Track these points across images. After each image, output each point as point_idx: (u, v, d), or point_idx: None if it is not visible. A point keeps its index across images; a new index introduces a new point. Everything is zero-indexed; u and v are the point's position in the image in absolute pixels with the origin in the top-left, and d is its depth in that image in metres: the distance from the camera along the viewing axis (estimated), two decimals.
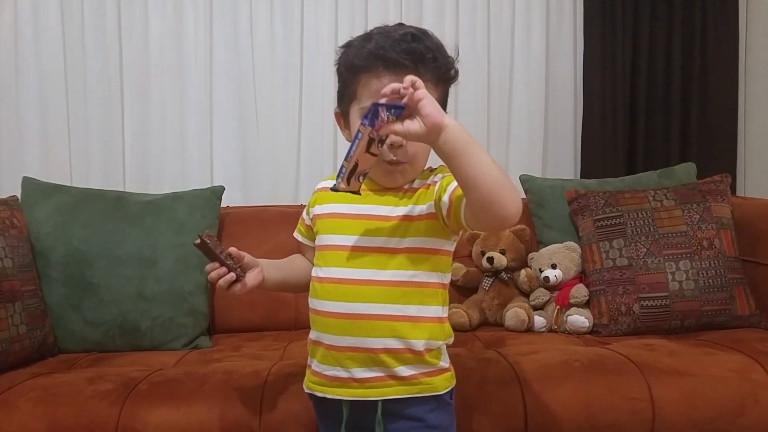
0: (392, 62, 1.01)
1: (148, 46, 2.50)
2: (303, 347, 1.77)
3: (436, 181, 1.08)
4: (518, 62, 2.69)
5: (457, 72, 1.11)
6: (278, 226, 2.15)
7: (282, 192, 2.59)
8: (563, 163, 2.78)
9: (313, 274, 1.14)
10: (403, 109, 0.90)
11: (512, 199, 0.92)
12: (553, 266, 2.02)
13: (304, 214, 1.26)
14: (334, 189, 1.00)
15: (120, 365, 1.65)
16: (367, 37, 1.08)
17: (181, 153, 2.54)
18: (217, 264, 1.06)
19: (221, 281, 1.07)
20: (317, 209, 1.18)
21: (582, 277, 2.04)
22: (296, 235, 1.30)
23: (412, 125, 0.90)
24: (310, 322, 1.14)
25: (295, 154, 2.60)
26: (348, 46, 1.11)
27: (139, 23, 2.49)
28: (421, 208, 1.08)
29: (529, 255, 2.11)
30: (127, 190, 2.30)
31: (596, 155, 2.66)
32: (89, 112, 2.47)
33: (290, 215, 2.17)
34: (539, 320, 1.95)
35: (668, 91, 2.68)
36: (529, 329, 1.95)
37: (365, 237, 1.08)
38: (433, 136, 0.90)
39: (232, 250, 1.09)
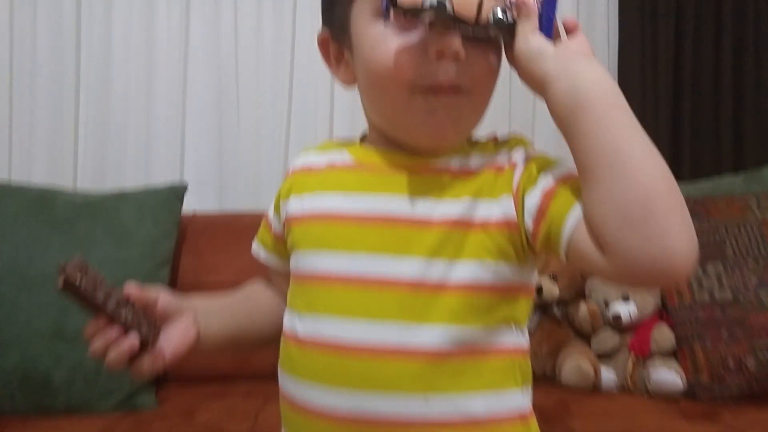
0: None
1: (110, 24, 2.14)
2: None
3: (516, 163, 0.65)
4: None
5: None
6: (253, 237, 1.67)
7: (265, 196, 2.17)
8: None
9: (287, 326, 0.71)
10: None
11: (684, 220, 0.53)
12: (625, 298, 1.51)
13: (270, 211, 0.81)
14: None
15: None
16: None
17: (145, 146, 2.16)
18: (101, 321, 0.59)
19: (111, 354, 0.61)
20: (295, 204, 0.73)
21: (663, 313, 1.54)
22: (256, 248, 0.84)
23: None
24: (281, 417, 0.70)
25: (282, 150, 2.22)
26: None
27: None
28: (488, 209, 0.64)
29: (588, 282, 1.62)
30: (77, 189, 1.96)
31: None
32: (36, 94, 2.10)
33: None
34: (607, 375, 1.46)
35: (718, 90, 2.37)
36: (595, 386, 1.44)
37: (386, 259, 0.65)
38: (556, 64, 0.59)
39: (132, 291, 0.65)
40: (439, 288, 0.63)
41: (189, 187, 1.70)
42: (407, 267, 0.63)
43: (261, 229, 0.83)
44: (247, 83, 2.20)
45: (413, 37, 0.61)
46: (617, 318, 1.49)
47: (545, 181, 0.61)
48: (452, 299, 0.62)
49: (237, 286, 1.48)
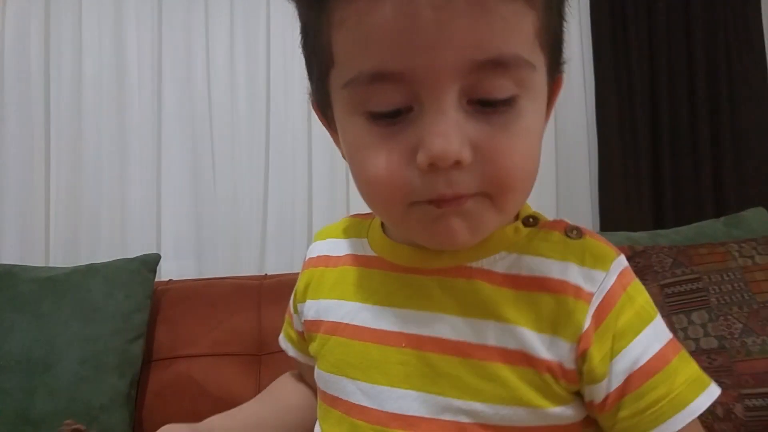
0: None
1: (80, 85, 2.09)
2: None
3: (593, 294, 0.51)
4: None
5: None
6: (232, 306, 1.66)
7: (244, 260, 2.14)
8: (580, 213, 2.36)
9: None
10: None
11: None
12: None
13: (291, 304, 0.71)
14: None
15: None
16: None
17: (120, 216, 2.10)
18: None
19: None
20: (311, 308, 0.64)
21: None
22: (283, 343, 0.74)
23: None
24: None
25: (260, 212, 2.18)
26: None
27: (69, 60, 2.08)
28: (534, 340, 0.51)
29: None
30: (50, 265, 1.88)
31: (617, 203, 2.32)
32: (5, 165, 2.03)
33: (249, 290, 1.72)
34: None
35: (695, 129, 2.38)
36: None
37: (412, 393, 0.53)
38: None
39: None
40: None
41: (167, 256, 1.66)
42: (437, 405, 0.52)
43: (285, 324, 0.74)
44: (222, 147, 2.15)
45: (401, 140, 0.48)
46: None
47: (630, 360, 0.50)
48: None
49: (214, 358, 1.44)
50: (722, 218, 1.88)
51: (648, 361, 0.49)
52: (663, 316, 1.34)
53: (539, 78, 0.48)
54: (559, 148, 2.35)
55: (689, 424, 0.49)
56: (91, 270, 1.53)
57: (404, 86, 0.45)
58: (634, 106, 2.32)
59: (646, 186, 2.32)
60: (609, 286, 0.51)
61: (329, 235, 0.67)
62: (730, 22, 2.35)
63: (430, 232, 0.50)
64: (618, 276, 0.52)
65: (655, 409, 0.49)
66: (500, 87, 0.45)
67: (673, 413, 0.48)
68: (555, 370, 0.50)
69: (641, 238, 1.80)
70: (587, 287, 0.51)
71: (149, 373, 1.53)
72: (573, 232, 0.54)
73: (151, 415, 1.49)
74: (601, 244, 0.54)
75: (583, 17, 2.35)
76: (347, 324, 0.59)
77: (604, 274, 0.51)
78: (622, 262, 0.53)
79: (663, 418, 0.48)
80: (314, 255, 0.67)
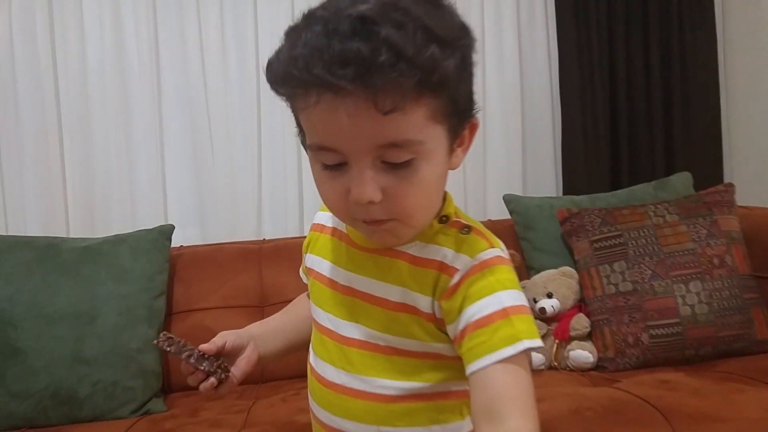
0: (324, 83, 0.59)
1: (86, 76, 2.23)
2: (270, 407, 1.56)
3: (457, 269, 0.72)
4: (490, 74, 2.51)
5: (463, 63, 0.66)
6: (237, 267, 1.94)
7: (242, 227, 2.35)
8: (545, 179, 2.58)
9: (310, 350, 0.89)
10: None
11: None
12: (549, 295, 1.81)
13: (303, 250, 0.97)
14: None
15: None
16: (305, 23, 0.64)
17: (129, 191, 2.28)
18: (190, 368, 0.84)
19: (201, 388, 0.85)
20: (309, 259, 0.91)
21: (582, 305, 1.83)
22: (301, 274, 0.99)
23: None
24: None
25: (255, 183, 2.37)
26: (287, 35, 0.66)
27: (74, 51, 2.22)
28: (422, 301, 0.74)
29: (521, 283, 1.88)
30: (71, 236, 2.08)
31: (579, 169, 2.47)
32: (24, 151, 2.20)
33: (251, 253, 1.98)
34: (537, 357, 1.73)
35: (649, 100, 2.53)
36: None
37: (353, 325, 0.80)
38: None
39: (205, 348, 0.85)
40: (388, 352, 0.76)
41: (175, 226, 1.92)
42: (368, 334, 0.77)
43: (302, 264, 0.96)
44: (218, 124, 2.31)
45: (341, 183, 0.67)
46: (542, 310, 1.78)
47: (467, 318, 0.69)
48: (398, 361, 0.75)
49: (224, 310, 1.72)
50: (653, 182, 2.16)
51: (479, 319, 0.68)
52: (591, 266, 1.70)
53: (433, 143, 0.67)
54: (525, 118, 2.53)
55: (500, 366, 0.66)
56: (118, 240, 1.80)
57: (338, 154, 0.66)
58: (594, 79, 2.47)
59: (605, 151, 2.50)
60: (470, 267, 0.71)
61: (327, 209, 0.94)
62: None
63: (372, 238, 0.74)
64: (481, 261, 0.71)
65: (477, 349, 0.68)
66: (398, 156, 0.65)
67: (484, 354, 0.67)
68: (432, 319, 0.74)
69: (582, 201, 2.08)
70: (456, 266, 0.72)
71: (171, 324, 1.83)
72: (464, 230, 0.76)
73: (175, 356, 1.80)
74: (479, 239, 0.74)
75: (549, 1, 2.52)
76: (322, 275, 0.85)
77: (470, 259, 0.72)
78: (490, 252, 0.73)
79: (480, 354, 0.67)
80: (316, 222, 0.92)
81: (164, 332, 0.86)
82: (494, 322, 0.68)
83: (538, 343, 0.68)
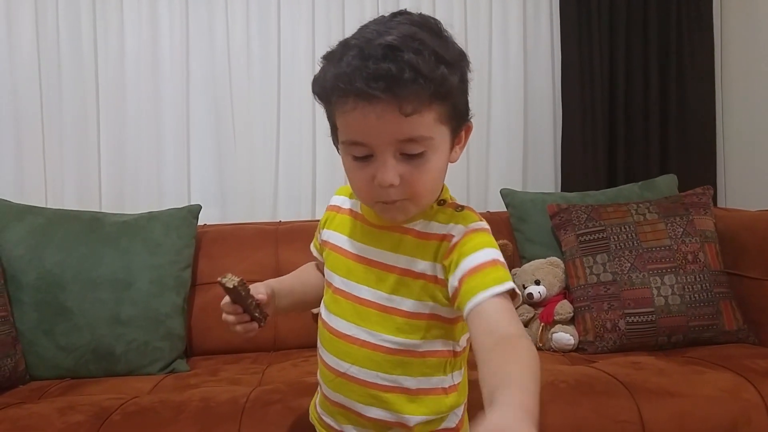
0: (361, 93, 0.78)
1: (123, 63, 2.42)
2: (282, 371, 1.76)
3: (454, 236, 0.90)
4: (496, 75, 2.65)
5: (462, 79, 0.87)
6: (256, 245, 2.12)
7: (260, 209, 2.52)
8: (544, 175, 2.73)
9: (321, 308, 1.05)
10: None
11: None
12: (537, 282, 1.99)
13: (318, 228, 1.14)
14: None
15: (93, 393, 1.59)
16: (343, 50, 0.83)
17: (156, 171, 2.47)
18: (239, 308, 0.98)
19: (240, 328, 0.99)
20: (326, 234, 1.08)
21: (566, 293, 2.01)
22: (312, 248, 1.17)
23: None
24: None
25: (273, 169, 2.54)
26: (326, 59, 0.87)
27: (114, 40, 2.41)
28: (425, 266, 0.92)
29: (512, 271, 2.08)
30: (102, 210, 2.25)
31: (576, 168, 2.62)
32: (64, 130, 2.38)
33: (268, 233, 2.15)
34: None
35: (647, 102, 2.64)
36: None
37: (365, 287, 0.97)
38: None
39: (261, 298, 0.99)
40: (393, 312, 0.93)
41: (201, 206, 2.10)
42: (376, 295, 0.94)
43: (314, 239, 1.15)
44: (240, 112, 2.47)
45: (367, 171, 0.84)
46: (530, 296, 1.97)
47: (464, 268, 0.85)
48: (401, 321, 0.93)
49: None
50: (640, 182, 2.32)
51: (474, 266, 0.85)
52: (576, 257, 1.89)
53: (440, 140, 0.85)
54: (527, 118, 2.67)
55: (494, 299, 0.81)
56: (152, 217, 1.98)
57: (366, 147, 0.83)
58: (594, 83, 2.58)
59: (602, 151, 2.62)
60: (464, 232, 0.89)
61: (343, 193, 1.08)
62: (683, 1, 2.59)
63: (384, 215, 0.92)
64: (472, 228, 0.90)
65: (474, 289, 0.83)
66: (414, 148, 0.83)
67: (480, 290, 0.82)
68: (434, 280, 0.91)
69: (573, 197, 2.25)
70: (453, 233, 0.90)
71: (195, 294, 2.02)
72: (458, 208, 0.94)
73: (198, 323, 2.00)
74: (471, 214, 0.94)
75: (554, 5, 2.65)
76: (339, 246, 1.02)
77: (463, 227, 0.90)
78: (479, 224, 0.91)
79: (477, 291, 0.82)
80: (332, 204, 1.09)
81: (230, 274, 0.96)
82: (486, 268, 0.84)
83: (514, 285, 0.85)
